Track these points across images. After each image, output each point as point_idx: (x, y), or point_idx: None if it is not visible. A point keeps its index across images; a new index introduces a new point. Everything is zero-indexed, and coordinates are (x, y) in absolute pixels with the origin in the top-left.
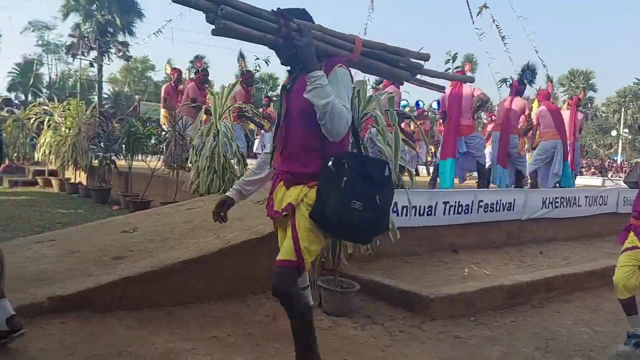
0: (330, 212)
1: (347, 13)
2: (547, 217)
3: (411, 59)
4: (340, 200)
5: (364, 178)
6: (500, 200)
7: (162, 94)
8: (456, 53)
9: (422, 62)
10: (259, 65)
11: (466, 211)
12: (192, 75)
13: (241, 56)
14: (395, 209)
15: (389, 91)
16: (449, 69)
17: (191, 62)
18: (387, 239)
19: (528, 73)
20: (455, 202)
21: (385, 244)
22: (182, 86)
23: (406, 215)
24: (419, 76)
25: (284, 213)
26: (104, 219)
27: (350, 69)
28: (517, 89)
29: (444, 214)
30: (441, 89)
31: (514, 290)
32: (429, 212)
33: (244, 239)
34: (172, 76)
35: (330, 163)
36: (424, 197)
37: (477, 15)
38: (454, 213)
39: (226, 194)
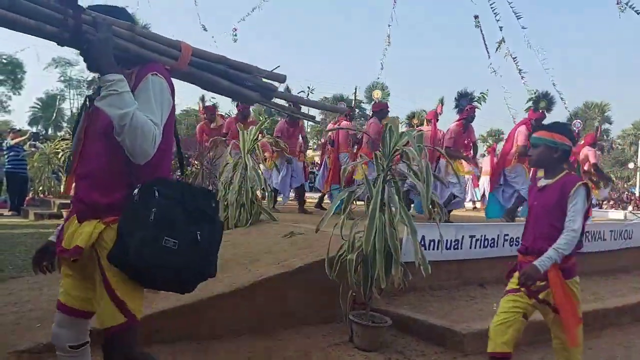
0: (133, 253)
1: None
2: None
3: (263, 79)
4: (146, 236)
5: (184, 210)
6: None
7: (197, 136)
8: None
9: (276, 83)
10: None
11: (492, 245)
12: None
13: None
14: (423, 242)
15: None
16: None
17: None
18: (418, 273)
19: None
20: (482, 235)
21: (414, 277)
22: (214, 124)
23: (434, 249)
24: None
25: (72, 258)
26: None
27: (172, 79)
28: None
29: (470, 248)
30: (311, 118)
31: (543, 325)
32: (456, 246)
33: (275, 272)
34: (202, 115)
35: (135, 191)
36: (450, 230)
37: (496, 50)
38: (480, 247)
39: (49, 237)
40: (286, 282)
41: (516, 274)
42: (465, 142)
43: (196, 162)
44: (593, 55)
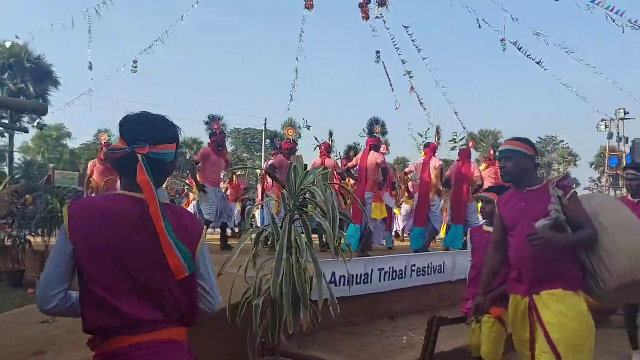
0: None
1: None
2: None
3: None
4: None
5: None
6: (431, 264)
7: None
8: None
9: None
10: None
11: (400, 276)
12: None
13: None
14: (333, 279)
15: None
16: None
17: (207, 123)
18: (328, 311)
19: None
20: (390, 267)
21: (324, 316)
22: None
23: (344, 285)
24: None
25: None
26: (20, 307)
27: None
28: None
29: (380, 281)
30: (24, 130)
31: (454, 356)
32: (366, 280)
33: None
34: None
35: None
36: (360, 265)
37: (407, 75)
38: (389, 279)
39: None
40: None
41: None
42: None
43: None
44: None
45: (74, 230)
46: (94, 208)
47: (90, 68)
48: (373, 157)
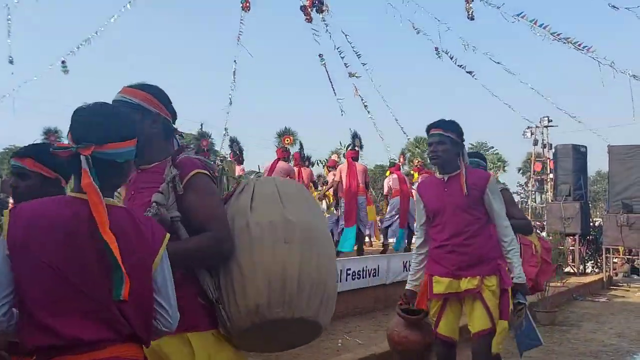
0: None
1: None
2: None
3: None
4: None
5: None
6: (366, 267)
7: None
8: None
9: None
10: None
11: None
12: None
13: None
14: None
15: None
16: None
17: (197, 139)
18: None
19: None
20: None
21: None
22: None
23: None
24: None
25: None
26: None
27: None
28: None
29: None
30: None
31: (386, 357)
32: None
33: None
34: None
35: None
36: None
37: (353, 76)
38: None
39: None
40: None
41: None
42: None
43: None
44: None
45: (10, 237)
46: (35, 211)
47: (11, 62)
48: (360, 166)
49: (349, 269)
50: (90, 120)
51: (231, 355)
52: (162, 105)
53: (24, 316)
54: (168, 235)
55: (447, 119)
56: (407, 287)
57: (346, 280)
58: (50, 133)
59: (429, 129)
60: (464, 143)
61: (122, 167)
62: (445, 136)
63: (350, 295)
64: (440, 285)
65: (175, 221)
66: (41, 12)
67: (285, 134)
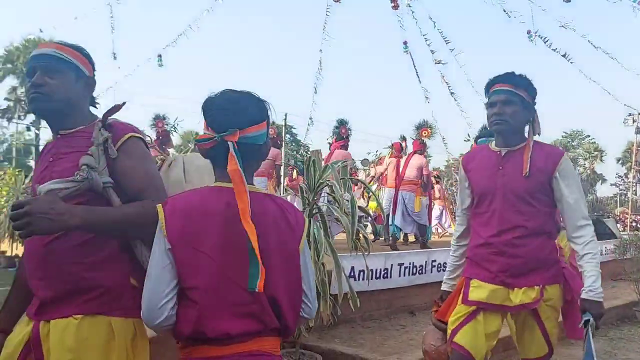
0: None
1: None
2: None
3: None
4: None
5: None
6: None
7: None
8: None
9: None
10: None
11: (420, 272)
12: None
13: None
14: (352, 273)
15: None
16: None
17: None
18: (347, 305)
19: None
20: (410, 263)
21: (344, 309)
22: None
23: (363, 279)
24: None
25: None
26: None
27: None
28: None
29: (399, 276)
30: None
31: None
32: (385, 275)
33: None
34: None
35: None
36: (380, 260)
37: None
38: (409, 274)
39: None
40: None
41: None
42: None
43: None
44: None
45: (170, 231)
46: (189, 204)
47: (115, 58)
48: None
49: (434, 261)
50: (229, 107)
51: (147, 345)
52: (93, 70)
53: (180, 305)
54: (308, 220)
55: (517, 73)
56: (443, 287)
57: (431, 272)
58: (158, 119)
59: (491, 84)
60: (537, 108)
61: (261, 150)
62: (515, 94)
63: (435, 286)
64: (481, 291)
65: (107, 187)
66: (142, 8)
67: (422, 126)
